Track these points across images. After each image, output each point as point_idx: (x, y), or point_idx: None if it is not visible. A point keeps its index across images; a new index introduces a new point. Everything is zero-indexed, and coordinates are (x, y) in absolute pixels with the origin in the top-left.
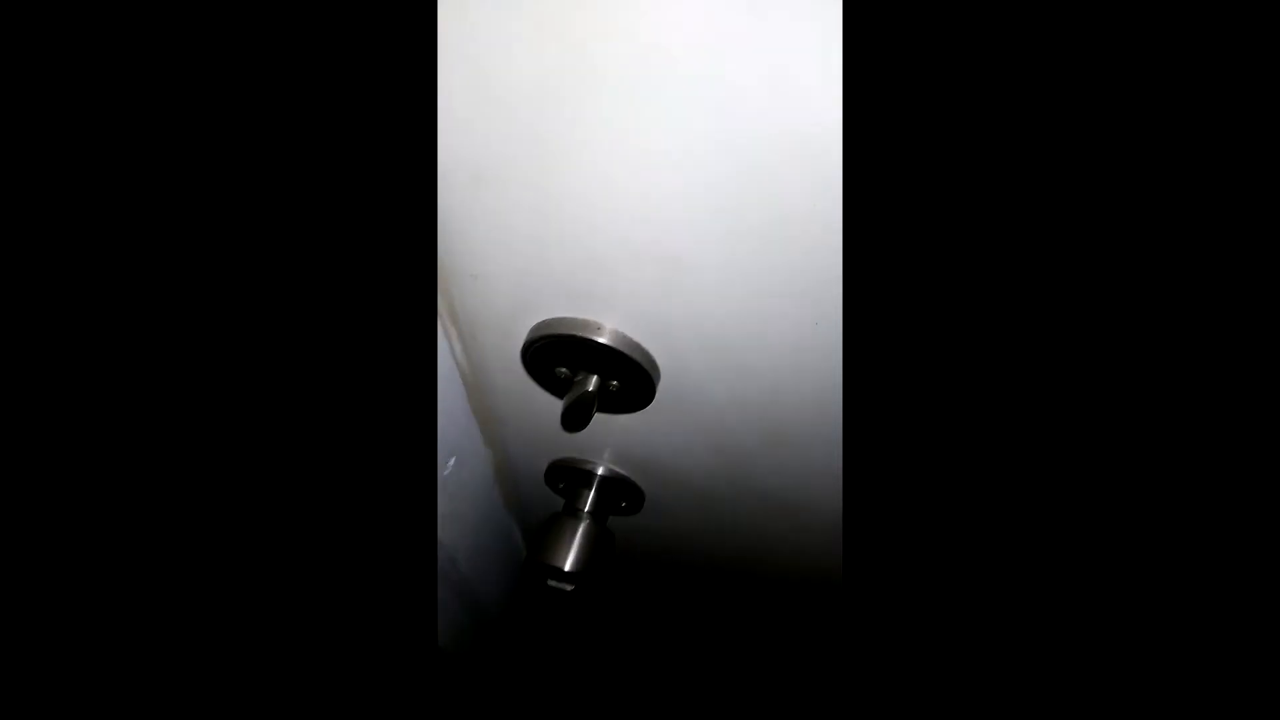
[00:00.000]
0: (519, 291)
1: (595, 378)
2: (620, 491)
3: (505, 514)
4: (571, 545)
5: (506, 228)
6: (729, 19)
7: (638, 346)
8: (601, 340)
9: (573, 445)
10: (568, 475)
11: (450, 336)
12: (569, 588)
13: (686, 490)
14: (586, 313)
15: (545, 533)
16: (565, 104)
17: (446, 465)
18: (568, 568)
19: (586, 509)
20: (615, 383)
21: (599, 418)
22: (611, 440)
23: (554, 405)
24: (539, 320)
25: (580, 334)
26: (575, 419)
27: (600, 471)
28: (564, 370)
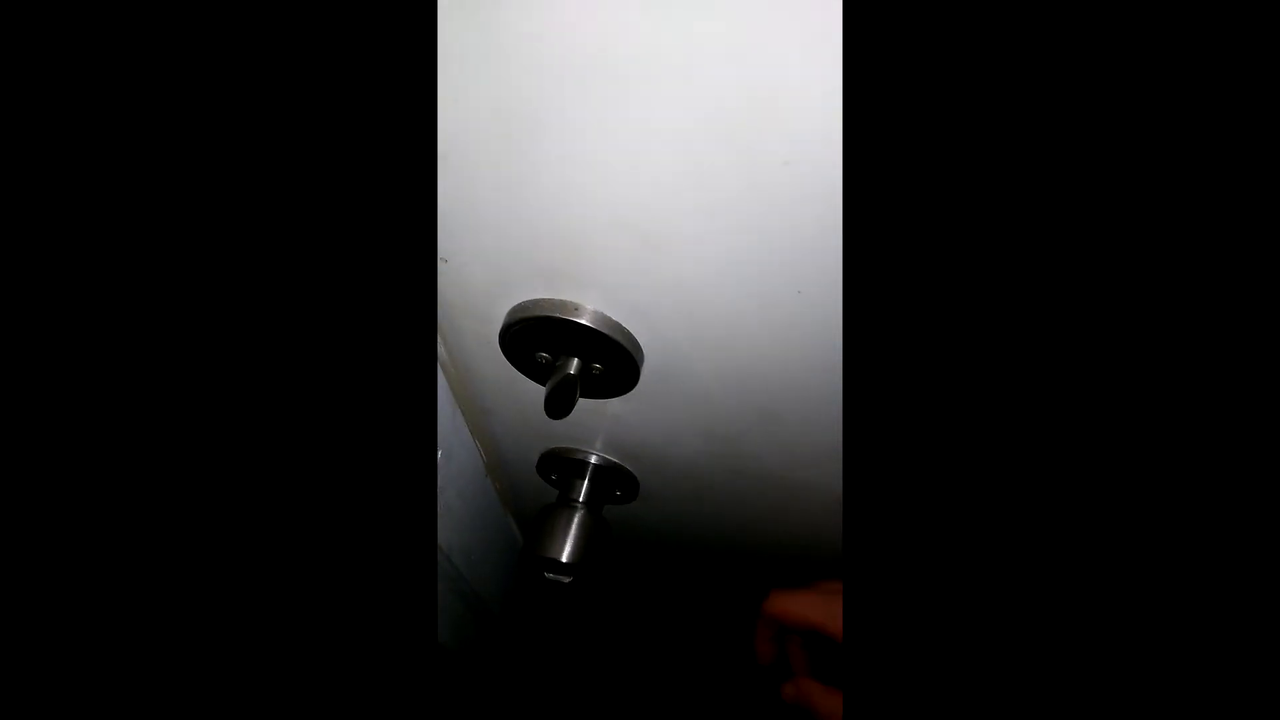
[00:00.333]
0: (494, 274)
1: (576, 360)
2: (614, 480)
3: (499, 507)
4: (567, 536)
5: (473, 207)
6: None
7: (618, 326)
8: (581, 321)
9: (564, 435)
10: (560, 466)
11: None
12: (567, 579)
13: (680, 475)
14: (564, 293)
15: (540, 525)
16: (528, 75)
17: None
18: (564, 559)
19: (581, 499)
20: (598, 366)
21: (588, 405)
22: (602, 428)
23: (540, 394)
24: (516, 303)
25: (559, 315)
26: (559, 404)
27: (593, 460)
28: (545, 355)
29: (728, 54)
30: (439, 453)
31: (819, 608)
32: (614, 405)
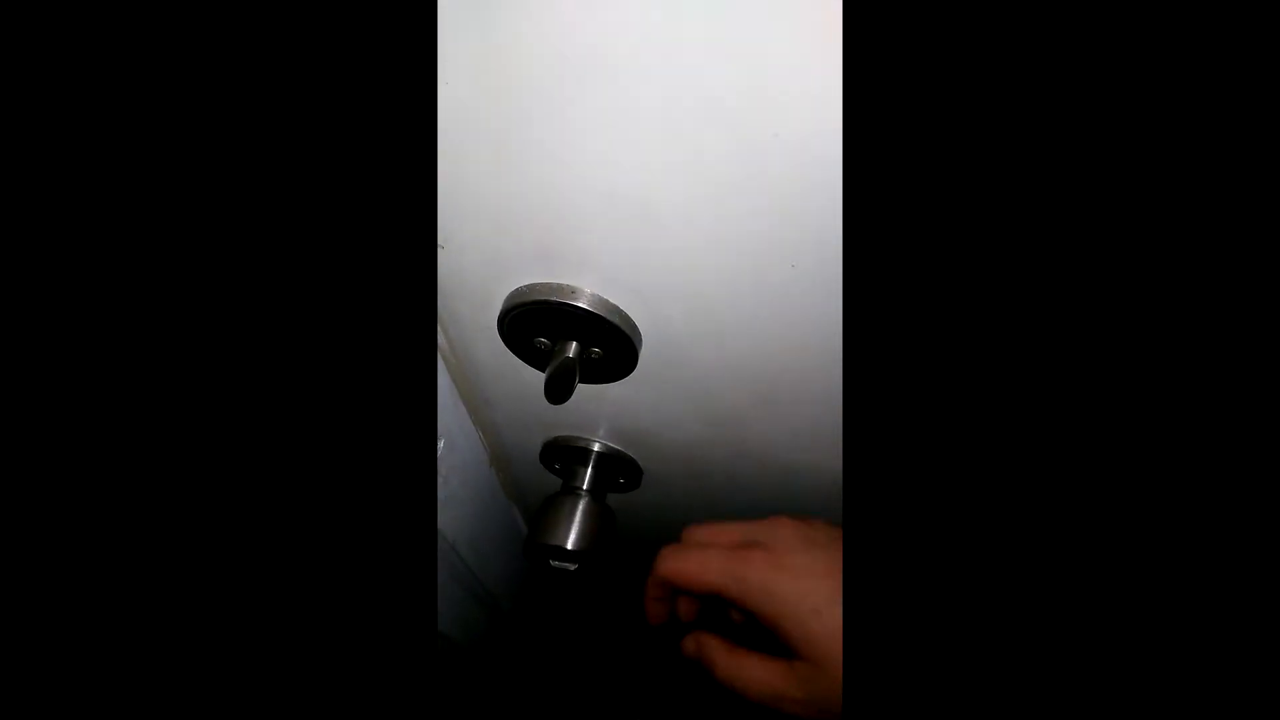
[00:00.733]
0: (489, 257)
1: (575, 345)
2: (617, 467)
3: (504, 497)
4: (572, 523)
5: (467, 190)
6: None
7: (615, 309)
8: (578, 304)
9: (565, 423)
10: (563, 454)
11: None
12: (573, 567)
13: (682, 459)
14: (561, 276)
15: (544, 513)
16: (521, 61)
17: (435, 448)
18: (569, 546)
19: (585, 487)
20: (597, 350)
21: (589, 391)
22: (604, 414)
23: (540, 381)
24: (513, 289)
25: (556, 299)
26: (558, 389)
27: (595, 448)
28: (543, 341)
29: (708, 23)
30: (441, 442)
31: (717, 567)
32: (614, 390)
